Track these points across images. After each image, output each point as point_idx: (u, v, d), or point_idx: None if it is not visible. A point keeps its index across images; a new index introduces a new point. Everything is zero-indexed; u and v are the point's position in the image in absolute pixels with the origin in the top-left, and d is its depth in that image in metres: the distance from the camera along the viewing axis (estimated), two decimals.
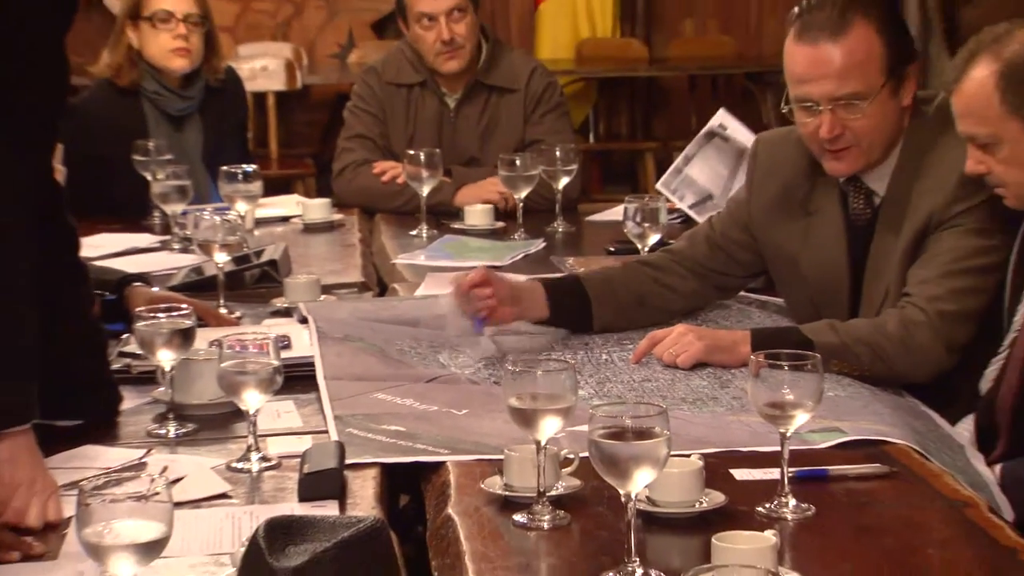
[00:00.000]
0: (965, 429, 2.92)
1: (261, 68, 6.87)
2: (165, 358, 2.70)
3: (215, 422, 2.74)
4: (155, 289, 3.44)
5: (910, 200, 3.15)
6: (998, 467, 2.73)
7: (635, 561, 2.02)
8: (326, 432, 2.68)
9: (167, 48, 4.65)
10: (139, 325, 2.71)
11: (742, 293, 3.59)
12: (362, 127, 4.77)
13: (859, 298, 3.24)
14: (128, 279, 3.40)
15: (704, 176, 4.19)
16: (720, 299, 3.50)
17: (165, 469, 2.46)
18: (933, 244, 3.08)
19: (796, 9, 3.20)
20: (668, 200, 4.02)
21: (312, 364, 3.03)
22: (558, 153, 4.30)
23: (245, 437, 2.57)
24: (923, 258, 3.08)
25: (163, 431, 2.71)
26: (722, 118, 4.40)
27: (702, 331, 3.10)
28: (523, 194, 4.28)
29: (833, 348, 2.94)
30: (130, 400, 2.86)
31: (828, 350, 2.86)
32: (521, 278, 3.38)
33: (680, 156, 4.39)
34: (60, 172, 3.07)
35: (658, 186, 4.11)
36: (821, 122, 3.11)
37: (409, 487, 2.66)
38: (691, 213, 4.07)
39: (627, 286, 3.35)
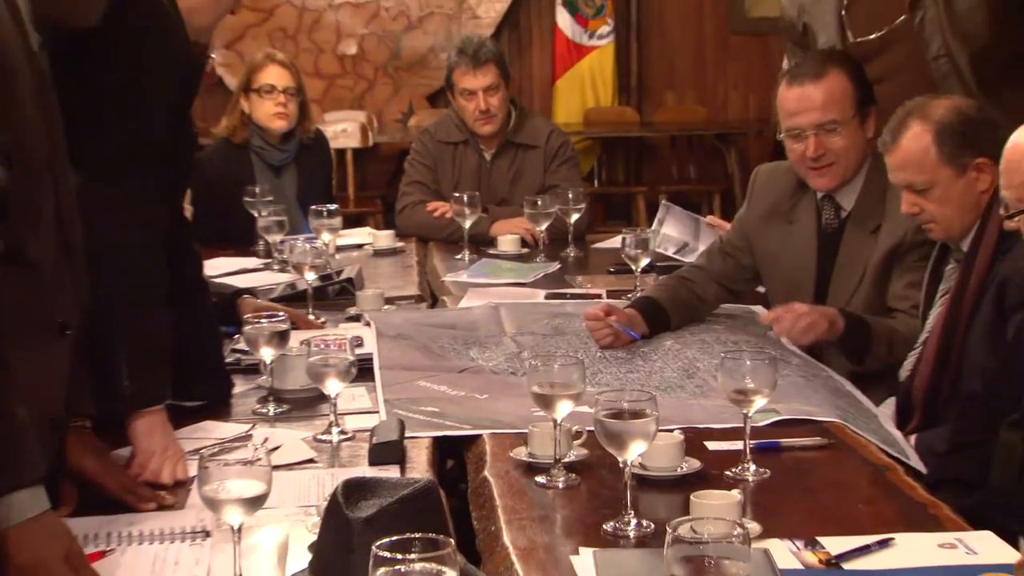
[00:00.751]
0: (887, 407, 2.92)
1: (342, 130, 6.88)
2: (266, 354, 2.70)
3: (305, 404, 2.73)
4: (259, 300, 3.45)
5: (882, 220, 3.23)
6: (913, 436, 2.73)
7: (630, 513, 2.03)
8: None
9: (270, 113, 4.68)
10: (247, 328, 2.72)
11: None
12: (418, 175, 4.79)
13: (823, 289, 3.31)
14: (239, 292, 3.41)
15: (677, 231, 4.23)
16: (732, 301, 3.52)
17: (266, 440, 2.48)
18: (908, 261, 3.17)
19: (786, 67, 3.35)
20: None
21: None
22: (570, 195, 4.31)
23: (327, 415, 2.57)
24: (900, 273, 3.18)
25: (264, 410, 2.71)
26: (665, 204, 4.48)
27: (815, 309, 3.10)
28: (543, 227, 4.28)
29: (878, 332, 3.07)
30: (240, 386, 2.86)
31: (878, 334, 3.06)
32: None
33: (656, 221, 4.40)
34: (188, 211, 3.08)
35: (654, 233, 4.10)
36: (807, 146, 3.21)
37: (454, 454, 2.65)
38: (677, 257, 4.06)
39: (681, 298, 3.35)
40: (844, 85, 3.23)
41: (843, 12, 3.73)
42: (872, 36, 3.65)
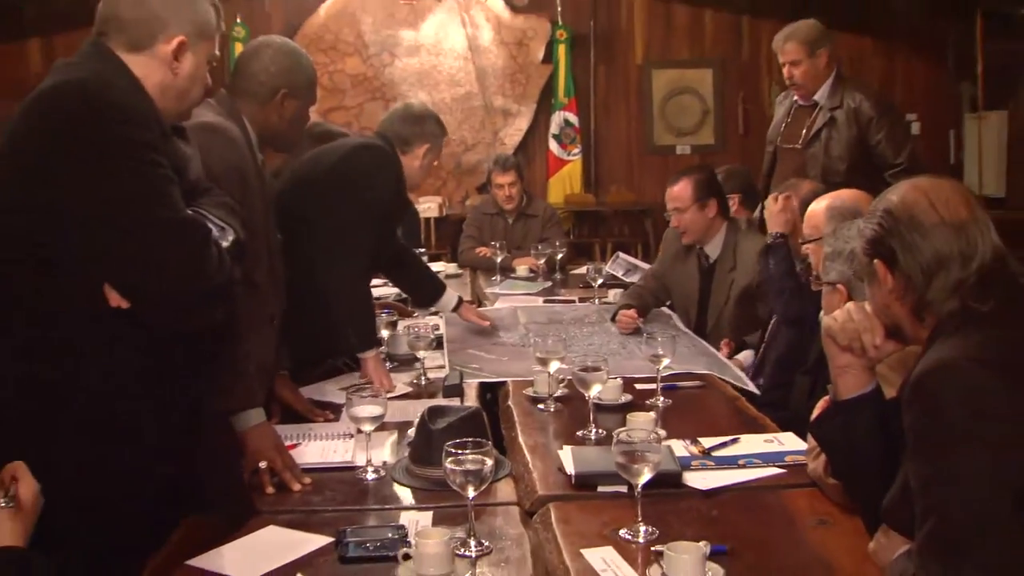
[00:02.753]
0: (744, 356, 2.90)
1: (427, 207, 6.85)
2: (385, 333, 2.69)
3: (406, 362, 2.69)
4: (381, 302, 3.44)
5: (733, 266, 3.15)
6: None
7: (592, 426, 2.01)
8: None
9: None
10: None
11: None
12: (471, 232, 4.76)
13: (703, 307, 3.21)
14: None
15: (623, 265, 4.19)
16: (659, 306, 3.40)
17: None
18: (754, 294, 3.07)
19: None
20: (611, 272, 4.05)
21: None
22: (557, 243, 4.29)
23: (419, 369, 2.55)
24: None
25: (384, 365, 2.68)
26: (617, 253, 4.43)
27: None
28: (542, 261, 4.26)
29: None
30: None
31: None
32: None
33: (614, 255, 4.38)
34: None
35: (607, 267, 4.08)
36: (672, 219, 3.19)
37: (492, 391, 2.62)
38: (622, 278, 4.02)
39: (645, 300, 3.29)
40: (686, 187, 3.15)
41: (782, 126, 3.64)
42: (788, 146, 3.61)
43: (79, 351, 1.44)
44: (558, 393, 2.28)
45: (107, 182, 1.38)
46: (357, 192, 2.43)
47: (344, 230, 2.38)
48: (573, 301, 3.71)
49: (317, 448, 1.96)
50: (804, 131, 3.51)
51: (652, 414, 2.05)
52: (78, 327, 1.44)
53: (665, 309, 3.43)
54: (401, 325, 2.85)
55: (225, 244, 1.52)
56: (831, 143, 3.44)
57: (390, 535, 1.50)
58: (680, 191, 3.19)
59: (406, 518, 1.61)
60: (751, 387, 2.50)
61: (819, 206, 2.29)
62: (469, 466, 1.43)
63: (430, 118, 2.67)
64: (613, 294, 3.60)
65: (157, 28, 1.51)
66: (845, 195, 2.27)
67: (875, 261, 1.33)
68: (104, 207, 1.38)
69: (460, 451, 1.44)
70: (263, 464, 1.75)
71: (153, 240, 1.40)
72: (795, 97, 3.63)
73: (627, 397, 2.26)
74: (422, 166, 2.66)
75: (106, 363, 1.45)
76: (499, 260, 4.29)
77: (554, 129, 7.21)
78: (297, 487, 1.75)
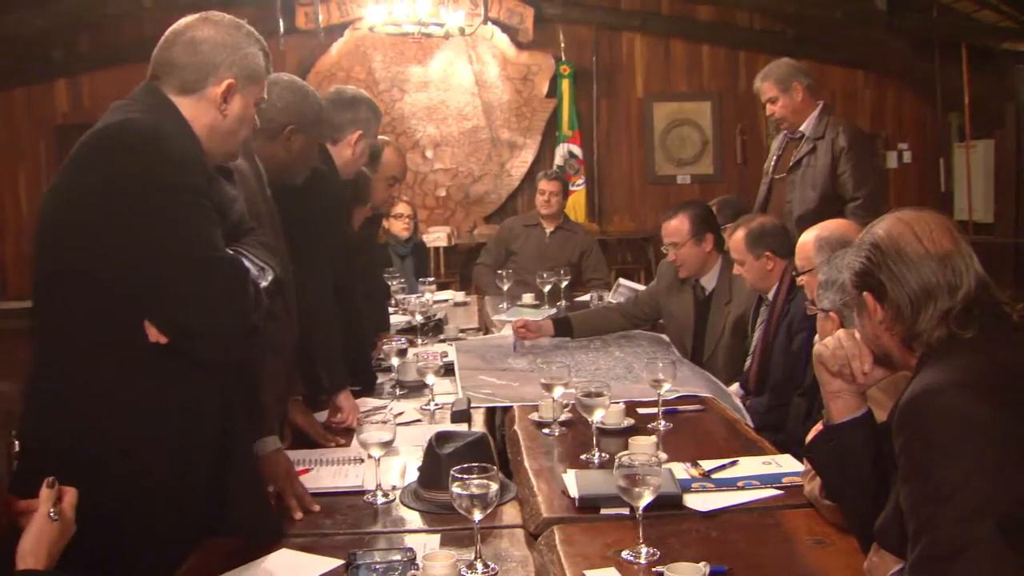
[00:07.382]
0: (736, 386, 2.88)
1: (436, 237, 6.88)
2: (395, 360, 2.70)
3: (416, 388, 2.68)
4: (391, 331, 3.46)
5: (729, 299, 3.14)
6: (748, 401, 2.71)
7: (596, 449, 2.01)
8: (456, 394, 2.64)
9: (400, 228, 4.74)
10: (384, 346, 2.73)
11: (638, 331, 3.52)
12: (487, 260, 4.83)
13: (700, 337, 3.20)
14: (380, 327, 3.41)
15: (625, 292, 4.17)
16: (630, 328, 3.40)
17: (392, 408, 2.45)
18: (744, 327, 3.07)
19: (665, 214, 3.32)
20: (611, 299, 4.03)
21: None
22: (561, 272, 4.29)
23: (428, 395, 2.53)
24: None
25: (394, 392, 2.68)
26: (620, 280, 4.42)
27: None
28: (547, 289, 4.23)
29: None
30: (380, 378, 2.83)
31: None
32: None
33: (616, 283, 4.37)
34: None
35: (609, 296, 4.09)
36: (670, 254, 3.19)
37: (499, 415, 2.62)
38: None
39: (589, 319, 3.33)
40: (683, 222, 3.17)
41: (775, 158, 3.67)
42: (779, 176, 3.64)
43: (116, 376, 1.46)
44: (562, 418, 2.27)
45: (151, 222, 1.41)
46: (309, 224, 2.32)
47: (310, 261, 2.29)
48: None
49: (329, 473, 1.97)
50: (792, 160, 3.57)
51: (653, 438, 2.05)
52: (116, 355, 1.46)
53: (664, 337, 3.42)
54: (411, 352, 2.86)
55: (264, 284, 1.54)
56: (808, 171, 3.48)
57: (399, 558, 1.49)
58: (677, 226, 3.18)
59: (414, 541, 1.60)
60: (747, 420, 2.49)
61: (808, 237, 2.31)
62: (474, 490, 1.43)
63: (362, 103, 2.46)
64: None
65: (208, 71, 1.54)
66: (833, 226, 2.29)
67: (864, 293, 1.34)
68: (147, 245, 1.41)
69: (466, 476, 1.44)
70: (271, 489, 1.75)
71: (192, 278, 1.43)
72: (785, 129, 3.69)
73: (629, 421, 2.26)
74: (355, 155, 2.48)
75: (140, 388, 1.47)
76: (506, 288, 4.29)
77: (559, 160, 7.25)
78: (299, 515, 1.73)
